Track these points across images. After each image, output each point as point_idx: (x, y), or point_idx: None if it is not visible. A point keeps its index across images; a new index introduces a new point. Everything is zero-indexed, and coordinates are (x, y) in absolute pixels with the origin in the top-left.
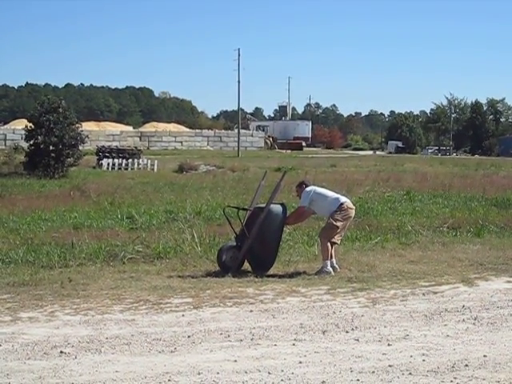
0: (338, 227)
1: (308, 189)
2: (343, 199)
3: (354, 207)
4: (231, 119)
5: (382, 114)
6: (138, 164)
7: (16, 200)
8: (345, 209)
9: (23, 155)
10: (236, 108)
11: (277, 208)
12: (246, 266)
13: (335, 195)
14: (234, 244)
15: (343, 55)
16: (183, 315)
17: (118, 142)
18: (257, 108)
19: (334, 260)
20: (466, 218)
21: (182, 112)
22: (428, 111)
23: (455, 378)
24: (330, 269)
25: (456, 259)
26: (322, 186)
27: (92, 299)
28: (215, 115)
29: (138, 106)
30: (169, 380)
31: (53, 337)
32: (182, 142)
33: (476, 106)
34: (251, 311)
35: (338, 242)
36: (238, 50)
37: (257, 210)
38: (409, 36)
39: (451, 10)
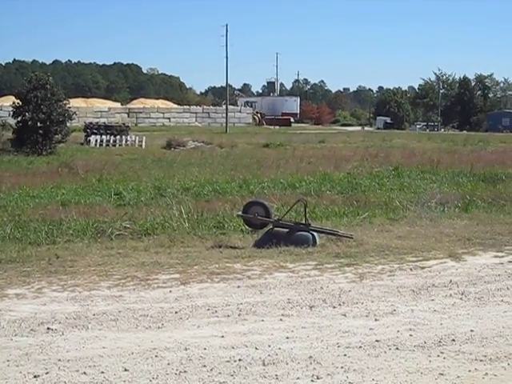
0: None
1: None
2: None
3: None
4: (219, 95)
5: (370, 89)
6: (126, 140)
7: (3, 177)
8: None
9: (11, 132)
10: (224, 84)
11: None
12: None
13: None
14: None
15: (331, 31)
16: (170, 291)
17: (105, 119)
18: (245, 84)
19: None
20: (453, 194)
21: (170, 88)
22: (416, 87)
23: (442, 352)
24: None
25: (444, 234)
26: None
27: (79, 275)
28: (203, 91)
29: (126, 82)
30: (156, 356)
31: (40, 313)
32: (170, 119)
33: (464, 81)
34: (238, 287)
35: None
36: (226, 26)
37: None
38: (397, 12)
39: None
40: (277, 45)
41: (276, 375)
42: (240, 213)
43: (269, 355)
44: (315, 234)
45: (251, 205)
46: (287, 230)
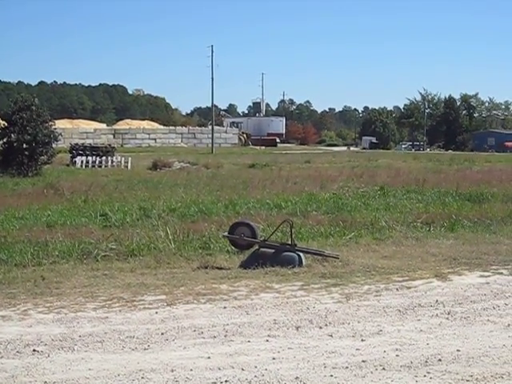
0: None
1: None
2: None
3: None
4: (205, 116)
5: (355, 109)
6: (112, 161)
7: None
8: None
9: None
10: (210, 105)
11: None
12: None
13: None
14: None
15: (317, 51)
16: (157, 312)
17: (91, 140)
18: (231, 104)
19: None
20: (439, 213)
21: (155, 109)
22: (402, 107)
23: (428, 372)
24: None
25: (429, 254)
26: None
27: (65, 297)
28: (189, 112)
29: (112, 103)
30: (142, 377)
31: (26, 335)
32: (155, 139)
33: (449, 101)
34: (225, 308)
35: None
36: (212, 46)
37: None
38: (382, 31)
39: (423, 3)
40: (262, 65)
41: None
42: (226, 233)
43: (255, 376)
44: (301, 254)
45: (237, 225)
46: (273, 250)
